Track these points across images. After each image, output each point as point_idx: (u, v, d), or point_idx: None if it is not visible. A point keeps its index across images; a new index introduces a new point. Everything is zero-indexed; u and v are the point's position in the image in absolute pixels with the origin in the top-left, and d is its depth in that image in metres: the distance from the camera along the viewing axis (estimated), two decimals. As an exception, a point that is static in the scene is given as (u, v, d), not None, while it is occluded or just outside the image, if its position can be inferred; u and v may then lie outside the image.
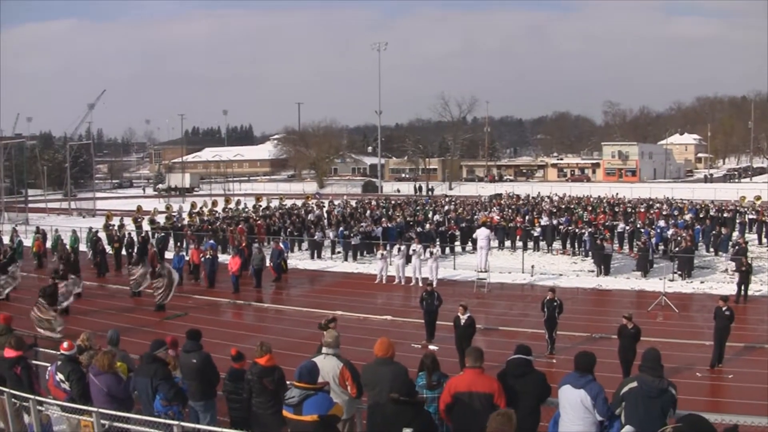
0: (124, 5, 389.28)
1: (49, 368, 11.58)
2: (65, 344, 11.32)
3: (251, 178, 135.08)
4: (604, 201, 61.66)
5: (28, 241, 41.34)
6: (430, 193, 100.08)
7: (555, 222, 42.33)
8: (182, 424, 9.27)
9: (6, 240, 40.50)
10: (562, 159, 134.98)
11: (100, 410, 9.87)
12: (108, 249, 36.93)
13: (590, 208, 53.02)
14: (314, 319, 24.01)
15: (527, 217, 45.84)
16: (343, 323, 22.36)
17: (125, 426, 9.71)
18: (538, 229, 40.98)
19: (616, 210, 52.39)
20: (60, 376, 10.96)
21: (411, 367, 9.48)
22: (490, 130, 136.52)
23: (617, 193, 71.19)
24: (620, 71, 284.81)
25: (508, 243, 41.73)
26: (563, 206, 55.39)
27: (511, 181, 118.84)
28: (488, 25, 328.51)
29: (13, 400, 11.00)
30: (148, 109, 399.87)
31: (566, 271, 33.75)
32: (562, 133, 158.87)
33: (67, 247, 35.53)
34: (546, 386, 8.93)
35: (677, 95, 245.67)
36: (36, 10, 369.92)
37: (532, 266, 32.80)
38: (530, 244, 40.36)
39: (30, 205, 71.99)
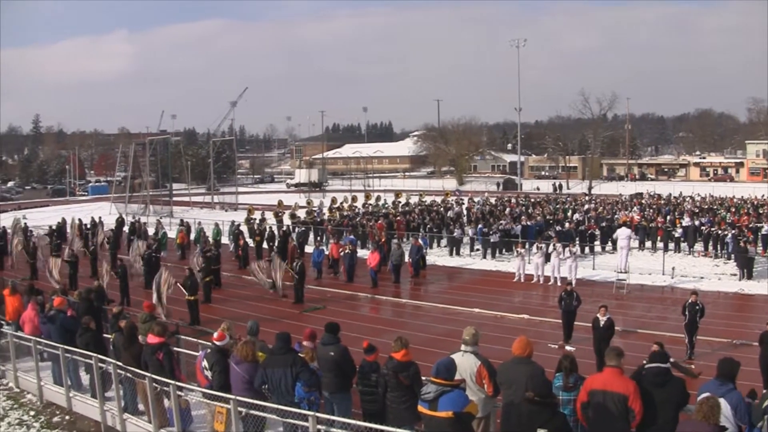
0: (269, 5, 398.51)
1: (200, 353, 12.35)
2: (216, 334, 11.86)
3: (405, 174, 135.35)
4: (748, 202, 59.97)
5: (172, 233, 43.23)
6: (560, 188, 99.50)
7: (697, 223, 41.13)
8: (318, 415, 9.53)
9: (151, 231, 42.31)
10: (704, 158, 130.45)
11: (238, 398, 10.31)
12: (249, 242, 37.91)
13: (733, 209, 51.30)
14: (452, 316, 24.23)
15: (668, 218, 44.91)
16: (480, 321, 22.61)
17: (261, 414, 10.14)
18: (680, 230, 39.87)
19: (761, 211, 50.70)
20: (205, 363, 11.56)
21: (547, 368, 9.46)
22: (630, 128, 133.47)
23: (763, 195, 69.05)
24: (765, 66, 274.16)
25: (648, 243, 40.87)
26: (705, 207, 53.95)
27: (652, 180, 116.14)
28: (630, 20, 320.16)
29: (154, 384, 11.62)
30: (289, 107, 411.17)
31: (708, 273, 32.79)
32: (704, 130, 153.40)
33: (210, 239, 36.74)
34: (685, 393, 8.75)
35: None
36: (185, 10, 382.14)
37: (673, 268, 32.00)
38: (671, 245, 39.29)
39: (174, 199, 74.61)
